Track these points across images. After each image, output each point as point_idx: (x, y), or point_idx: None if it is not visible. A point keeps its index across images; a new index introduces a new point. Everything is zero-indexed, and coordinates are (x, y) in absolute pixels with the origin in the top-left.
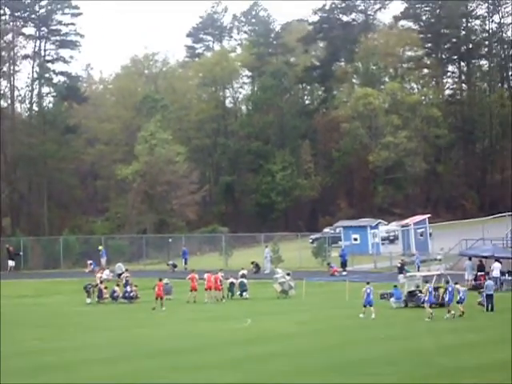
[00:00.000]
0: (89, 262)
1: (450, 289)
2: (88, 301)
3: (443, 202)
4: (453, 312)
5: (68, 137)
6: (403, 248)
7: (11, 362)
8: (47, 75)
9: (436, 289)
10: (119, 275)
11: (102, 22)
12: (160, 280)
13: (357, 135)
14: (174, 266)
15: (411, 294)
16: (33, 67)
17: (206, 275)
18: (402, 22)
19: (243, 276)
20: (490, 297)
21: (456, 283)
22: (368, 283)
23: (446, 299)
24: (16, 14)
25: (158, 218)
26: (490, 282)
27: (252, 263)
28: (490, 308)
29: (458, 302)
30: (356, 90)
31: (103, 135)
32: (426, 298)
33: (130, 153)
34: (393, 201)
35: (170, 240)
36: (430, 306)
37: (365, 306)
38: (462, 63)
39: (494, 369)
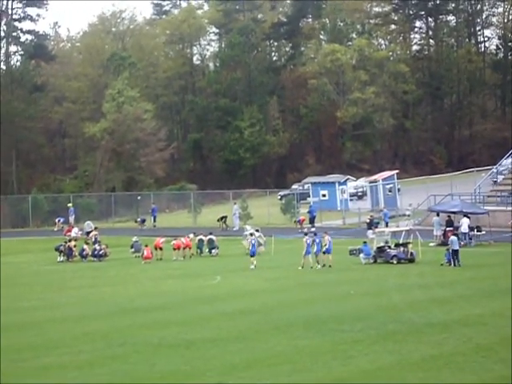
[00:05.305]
0: (57, 219)
1: (317, 240)
2: (59, 259)
3: (411, 157)
4: (323, 263)
5: (36, 95)
6: (372, 204)
7: None
8: (14, 34)
9: (405, 244)
10: (88, 233)
11: None
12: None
13: (324, 91)
14: (143, 220)
15: (380, 249)
16: (0, 26)
17: (173, 242)
18: None
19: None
20: (455, 252)
21: (325, 233)
22: (256, 230)
23: (315, 250)
24: None
25: (127, 176)
26: (454, 238)
27: (218, 220)
28: (455, 263)
29: (324, 252)
30: (323, 46)
31: (71, 93)
32: (305, 250)
33: (98, 111)
34: (361, 157)
35: (139, 198)
36: (399, 262)
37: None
38: (430, 19)
39: (464, 324)
